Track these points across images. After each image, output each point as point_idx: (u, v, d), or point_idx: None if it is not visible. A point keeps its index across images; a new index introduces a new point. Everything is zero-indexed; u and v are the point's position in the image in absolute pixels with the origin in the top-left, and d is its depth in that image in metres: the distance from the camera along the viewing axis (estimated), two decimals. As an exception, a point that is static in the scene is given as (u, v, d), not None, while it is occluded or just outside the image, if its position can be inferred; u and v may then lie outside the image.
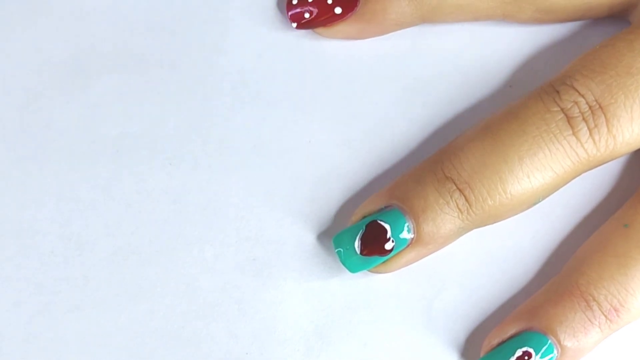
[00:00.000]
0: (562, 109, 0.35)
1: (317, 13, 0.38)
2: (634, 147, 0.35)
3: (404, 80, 0.39)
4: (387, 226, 0.35)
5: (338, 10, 0.38)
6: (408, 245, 0.35)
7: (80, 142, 0.38)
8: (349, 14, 0.38)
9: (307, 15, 0.38)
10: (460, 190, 0.35)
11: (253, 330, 0.37)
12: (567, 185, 0.36)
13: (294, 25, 0.38)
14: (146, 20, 0.39)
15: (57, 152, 0.38)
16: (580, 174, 0.36)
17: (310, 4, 0.38)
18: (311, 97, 0.39)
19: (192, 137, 0.38)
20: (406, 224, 0.35)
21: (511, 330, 0.35)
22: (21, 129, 0.38)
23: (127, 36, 0.39)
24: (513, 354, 0.35)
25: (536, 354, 0.34)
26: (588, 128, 0.35)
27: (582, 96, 0.35)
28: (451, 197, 0.35)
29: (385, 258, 0.36)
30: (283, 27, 0.39)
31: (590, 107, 0.35)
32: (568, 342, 0.35)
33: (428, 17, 0.38)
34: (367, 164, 0.38)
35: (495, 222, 0.36)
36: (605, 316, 0.35)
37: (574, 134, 0.35)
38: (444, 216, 0.35)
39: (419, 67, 0.39)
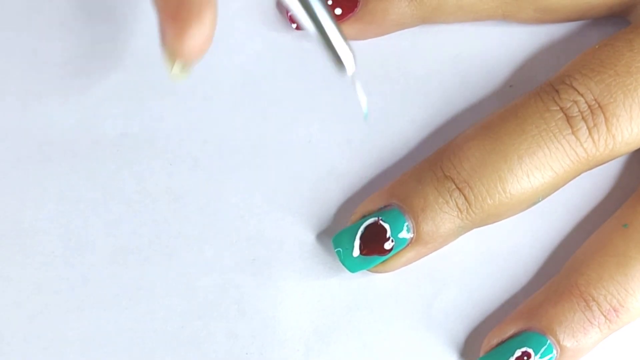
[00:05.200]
0: (561, 108, 0.35)
1: (317, 14, 0.38)
2: (634, 147, 0.35)
3: (404, 80, 0.39)
4: (386, 226, 0.35)
5: (338, 11, 0.38)
6: (407, 245, 0.35)
7: (80, 142, 0.38)
8: (349, 15, 0.38)
9: (306, 16, 0.38)
10: (459, 189, 0.35)
11: (253, 330, 0.37)
12: (567, 185, 0.36)
13: (294, 26, 0.38)
14: (146, 20, 0.39)
15: (57, 152, 0.38)
16: (579, 174, 0.36)
17: (310, 5, 0.38)
18: (311, 97, 0.39)
19: (192, 137, 0.38)
20: (406, 224, 0.35)
21: (510, 330, 0.35)
22: (21, 129, 0.39)
23: (127, 36, 0.39)
24: (512, 354, 0.35)
25: (535, 354, 0.35)
26: (587, 127, 0.35)
27: (582, 95, 0.35)
28: (450, 196, 0.35)
29: (384, 257, 0.36)
30: (283, 27, 0.39)
31: (589, 107, 0.35)
32: (567, 342, 0.35)
33: (428, 17, 0.38)
34: (367, 163, 0.38)
35: (494, 222, 0.36)
36: (605, 316, 0.35)
37: (573, 133, 0.35)
38: (443, 215, 0.35)
39: (419, 67, 0.39)
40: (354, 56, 0.31)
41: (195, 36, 0.32)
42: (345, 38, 0.31)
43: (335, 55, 0.31)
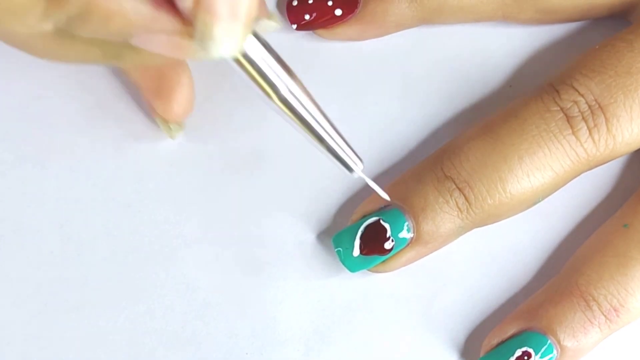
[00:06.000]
0: (561, 109, 0.35)
1: (317, 15, 0.38)
2: (634, 147, 0.35)
3: (404, 80, 0.39)
4: (386, 225, 0.35)
5: (338, 12, 0.38)
6: (408, 245, 0.35)
7: (80, 142, 0.38)
8: (350, 16, 0.38)
9: (307, 16, 0.38)
10: (459, 189, 0.35)
11: (253, 330, 0.37)
12: (567, 185, 0.36)
13: (294, 26, 0.38)
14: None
15: (57, 152, 0.38)
16: (579, 174, 0.36)
17: (311, 6, 0.38)
18: (311, 97, 0.39)
19: (192, 137, 0.38)
20: (406, 223, 0.35)
21: (511, 330, 0.35)
22: (21, 129, 0.38)
23: (127, 36, 0.39)
24: (513, 354, 0.35)
25: (536, 354, 0.35)
26: (587, 128, 0.35)
27: (582, 96, 0.35)
28: (451, 196, 0.35)
29: (385, 257, 0.36)
30: (283, 28, 0.39)
31: (589, 107, 0.35)
32: (568, 342, 0.35)
33: (428, 18, 0.38)
34: (367, 164, 0.38)
35: (495, 222, 0.36)
36: (605, 316, 0.35)
37: (573, 133, 0.35)
38: (443, 215, 0.35)
39: (419, 68, 0.39)
40: (359, 158, 0.32)
41: (180, 103, 0.36)
42: (347, 142, 0.32)
43: (342, 161, 0.32)
